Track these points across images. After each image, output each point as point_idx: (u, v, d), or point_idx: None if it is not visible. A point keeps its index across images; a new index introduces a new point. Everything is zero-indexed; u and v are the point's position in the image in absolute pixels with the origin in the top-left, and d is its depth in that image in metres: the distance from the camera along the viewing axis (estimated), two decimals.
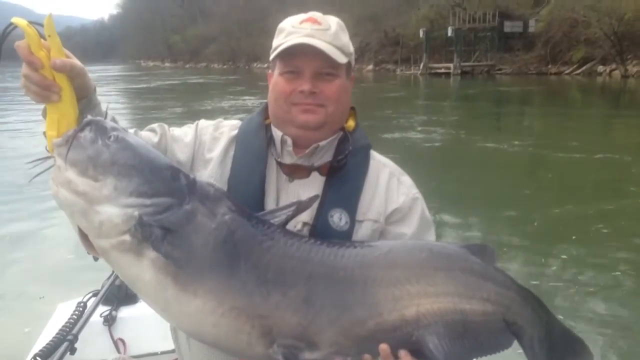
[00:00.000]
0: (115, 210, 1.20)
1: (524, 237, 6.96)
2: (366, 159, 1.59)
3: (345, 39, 1.53)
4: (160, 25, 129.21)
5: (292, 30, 1.49)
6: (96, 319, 2.78)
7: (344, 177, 1.53)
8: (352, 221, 1.49)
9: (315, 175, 1.53)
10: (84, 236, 1.28)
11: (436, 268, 1.33)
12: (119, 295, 2.93)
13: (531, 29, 48.45)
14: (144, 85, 41.97)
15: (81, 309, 2.71)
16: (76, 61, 1.29)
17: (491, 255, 1.40)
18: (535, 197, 8.87)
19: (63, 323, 2.59)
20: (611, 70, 40.60)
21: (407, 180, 1.62)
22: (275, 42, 1.51)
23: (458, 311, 1.30)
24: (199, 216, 1.25)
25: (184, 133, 1.60)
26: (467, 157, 12.45)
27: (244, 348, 1.27)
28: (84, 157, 1.22)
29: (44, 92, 1.25)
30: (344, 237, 1.46)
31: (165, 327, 2.16)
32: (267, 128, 1.58)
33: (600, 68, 41.73)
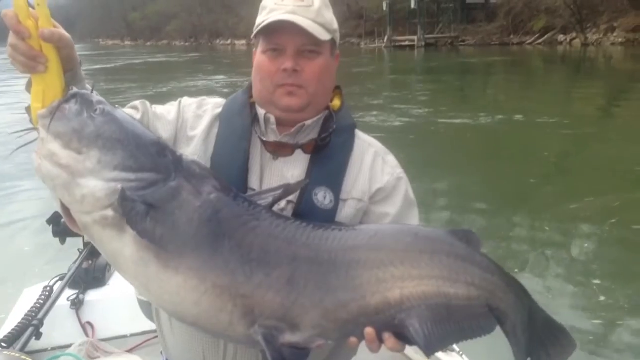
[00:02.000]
0: (98, 183, 1.17)
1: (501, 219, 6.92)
2: (351, 138, 1.58)
3: (329, 16, 1.50)
4: (118, 2, 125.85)
5: (274, 7, 1.46)
6: (63, 302, 2.74)
7: (328, 156, 1.52)
8: (337, 200, 1.48)
9: (299, 153, 1.51)
10: (66, 211, 1.25)
11: (421, 251, 1.32)
12: (86, 278, 2.89)
13: (493, 0, 48.75)
14: (104, 66, 40.90)
15: (47, 293, 2.68)
16: (64, 32, 1.26)
17: (476, 241, 1.39)
18: (518, 179, 8.72)
19: (28, 308, 2.56)
20: (572, 39, 41.26)
21: (392, 159, 1.61)
22: (258, 20, 1.49)
23: (442, 295, 1.28)
24: (184, 194, 1.23)
25: (167, 111, 1.58)
26: (439, 136, 12.20)
27: (225, 328, 1.25)
28: (68, 129, 1.18)
29: (31, 62, 1.21)
30: (328, 216, 1.46)
31: (134, 310, 2.15)
32: (252, 106, 1.56)
33: (561, 37, 42.36)
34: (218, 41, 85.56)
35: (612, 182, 8.09)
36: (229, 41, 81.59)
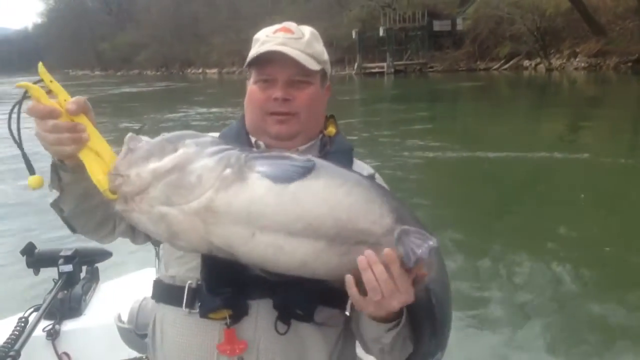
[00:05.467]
0: (205, 159, 1.26)
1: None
2: (349, 160, 1.63)
3: (319, 48, 1.57)
4: (87, 33, 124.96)
5: (265, 40, 1.53)
6: (39, 333, 2.71)
7: None
8: None
9: None
10: None
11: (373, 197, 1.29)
12: (62, 308, 2.87)
13: (459, 27, 49.82)
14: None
15: (23, 324, 2.65)
16: (81, 97, 1.31)
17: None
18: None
19: (4, 340, 2.53)
20: (536, 65, 42.24)
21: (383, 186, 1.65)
22: (250, 52, 1.56)
23: (333, 217, 1.24)
24: None
25: None
26: (419, 169, 11.72)
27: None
28: (152, 148, 1.28)
29: (76, 134, 1.26)
30: None
31: (111, 339, 2.14)
32: (248, 134, 1.62)
33: (526, 62, 43.35)
34: (189, 70, 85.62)
35: (584, 209, 8.13)
36: (200, 70, 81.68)
